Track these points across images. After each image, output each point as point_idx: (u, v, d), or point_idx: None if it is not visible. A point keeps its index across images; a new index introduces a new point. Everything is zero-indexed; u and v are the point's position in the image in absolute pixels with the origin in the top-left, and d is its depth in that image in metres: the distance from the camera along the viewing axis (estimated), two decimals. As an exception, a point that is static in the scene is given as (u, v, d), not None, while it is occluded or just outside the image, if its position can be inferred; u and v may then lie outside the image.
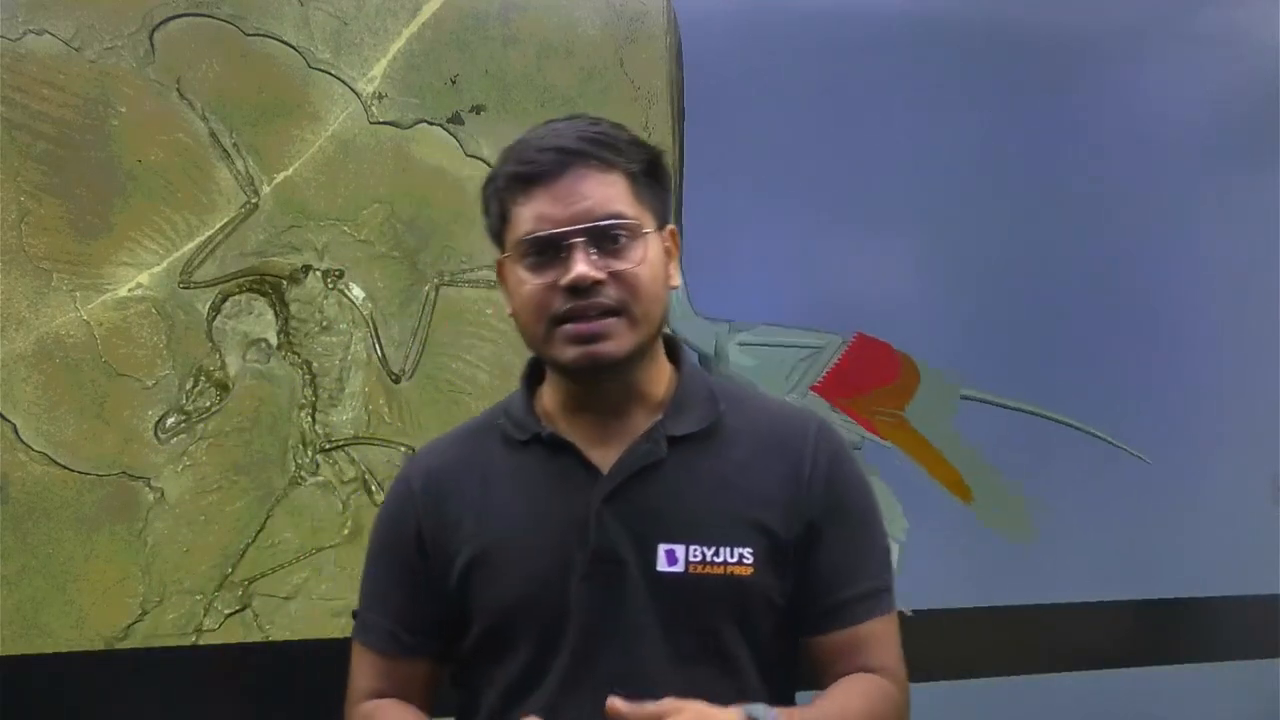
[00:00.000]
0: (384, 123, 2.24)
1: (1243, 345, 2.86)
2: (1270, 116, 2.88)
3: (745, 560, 1.09)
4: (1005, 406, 2.61)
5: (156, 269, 2.13)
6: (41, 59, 2.06)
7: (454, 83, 2.28)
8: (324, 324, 2.22)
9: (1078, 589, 2.69)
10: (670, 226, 1.17)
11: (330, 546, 2.21)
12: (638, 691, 1.05)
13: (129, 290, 2.11)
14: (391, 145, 2.24)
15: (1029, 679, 2.63)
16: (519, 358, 2.33)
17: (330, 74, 2.21)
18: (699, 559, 1.09)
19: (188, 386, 2.14)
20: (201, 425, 2.14)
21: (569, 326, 1.09)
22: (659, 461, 1.12)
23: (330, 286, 2.22)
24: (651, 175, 1.14)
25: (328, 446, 2.21)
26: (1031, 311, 2.69)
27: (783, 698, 1.14)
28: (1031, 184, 2.69)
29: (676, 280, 1.17)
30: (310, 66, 2.20)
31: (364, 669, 1.24)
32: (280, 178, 2.19)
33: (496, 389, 2.29)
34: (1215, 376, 2.84)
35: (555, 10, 2.33)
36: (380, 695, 1.22)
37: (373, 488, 2.23)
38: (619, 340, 1.09)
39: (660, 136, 2.38)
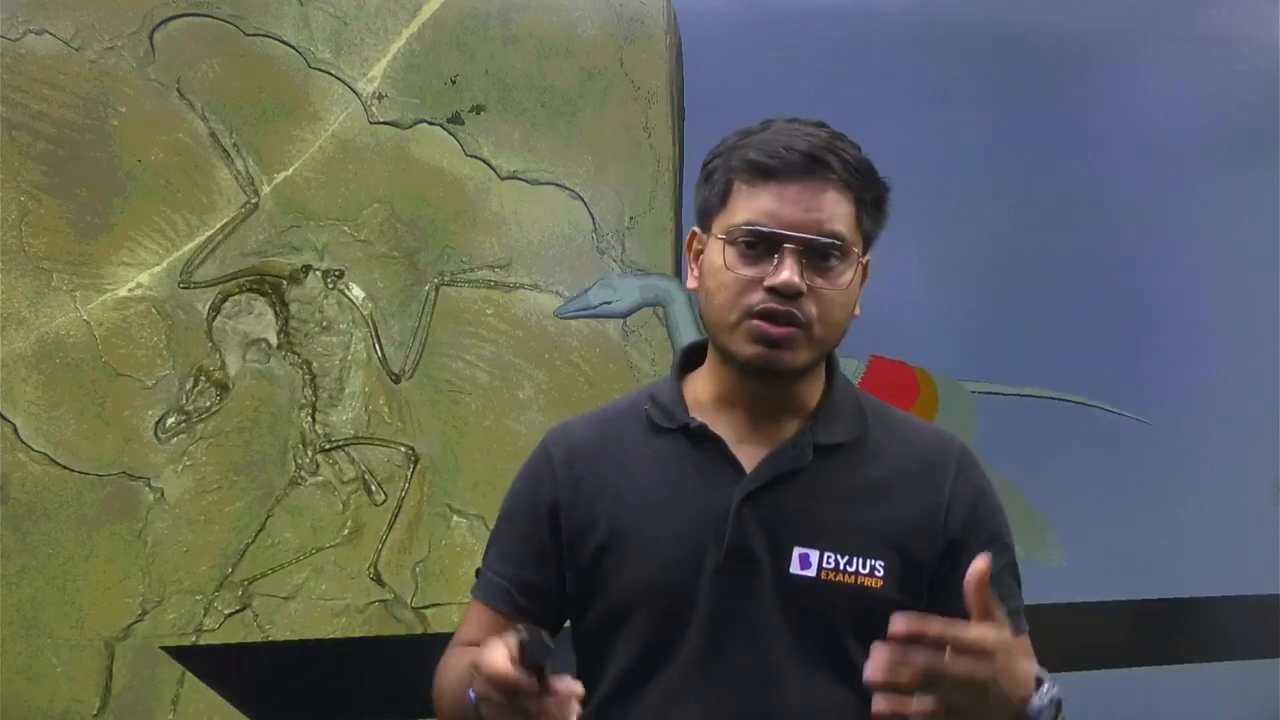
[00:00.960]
0: (384, 123, 2.24)
1: (1243, 345, 2.86)
2: (1270, 116, 2.88)
3: (877, 573, 1.10)
4: (1017, 395, 2.60)
5: (156, 269, 2.13)
6: (41, 59, 2.06)
7: (454, 83, 2.28)
8: (324, 324, 2.22)
9: (1078, 589, 2.69)
10: (868, 258, 1.16)
11: (330, 546, 2.21)
12: (759, 690, 1.08)
13: (129, 290, 2.11)
14: (391, 145, 2.24)
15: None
16: (519, 358, 2.35)
17: (330, 74, 2.21)
18: (832, 565, 1.10)
19: (188, 386, 2.14)
20: (201, 425, 2.14)
21: (758, 324, 1.08)
22: (802, 467, 1.13)
23: (330, 286, 2.22)
24: (877, 207, 1.14)
25: (328, 446, 2.21)
26: (1032, 312, 2.69)
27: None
28: (1031, 184, 2.69)
29: (859, 310, 1.16)
30: (310, 66, 2.20)
31: (472, 620, 1.24)
32: (280, 178, 2.19)
33: (496, 389, 2.29)
34: (1215, 376, 2.84)
35: (555, 10, 2.33)
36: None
37: (372, 488, 2.23)
38: (798, 353, 1.09)
39: (660, 136, 2.38)
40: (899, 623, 0.91)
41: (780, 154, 1.08)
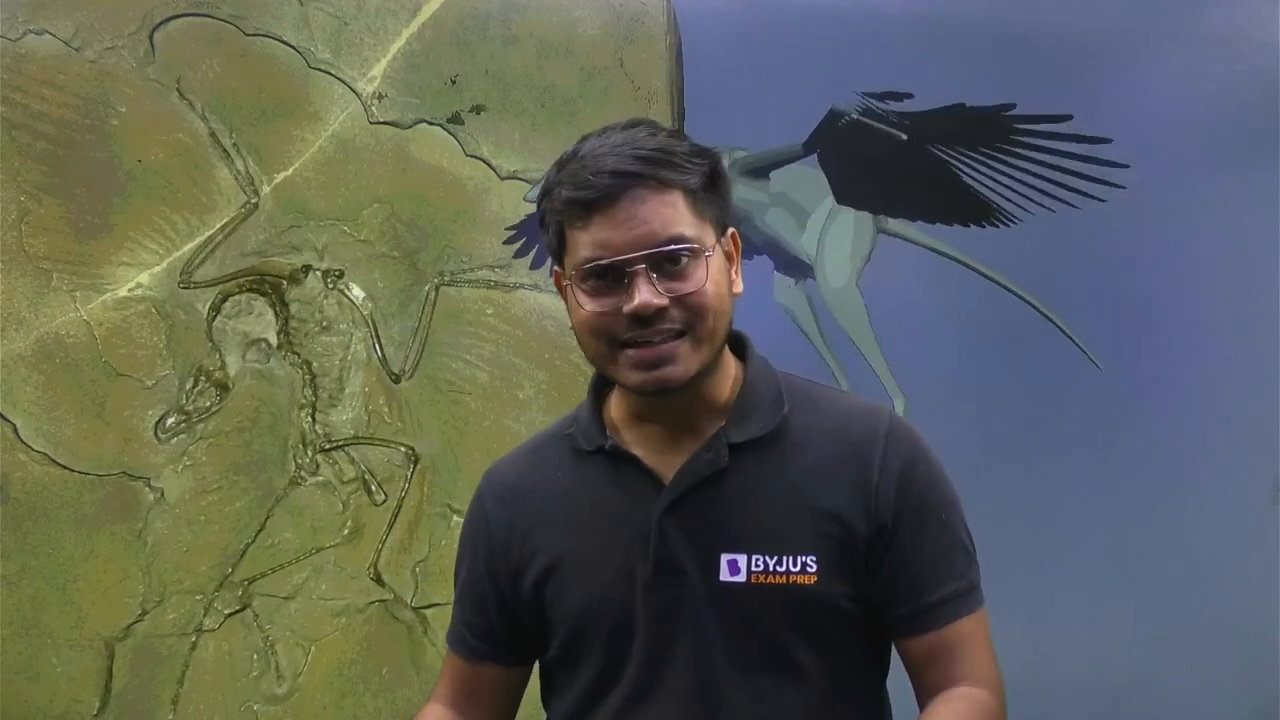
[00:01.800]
0: (384, 123, 2.24)
1: (1243, 345, 2.86)
2: (1270, 116, 2.88)
3: (809, 569, 1.07)
4: (925, 246, 2.57)
5: (156, 269, 2.13)
6: (41, 59, 2.06)
7: (454, 83, 2.28)
8: (324, 324, 2.22)
9: (1077, 590, 2.69)
10: (731, 230, 1.12)
11: (330, 546, 2.21)
12: (704, 703, 1.07)
13: (129, 290, 2.11)
14: (391, 145, 2.25)
15: (1029, 680, 2.63)
16: (519, 358, 2.35)
17: (330, 74, 2.21)
18: (761, 568, 1.07)
19: (188, 386, 2.14)
20: (201, 425, 2.14)
21: (632, 352, 1.06)
22: (721, 470, 1.10)
23: (330, 286, 2.22)
24: (711, 186, 1.09)
25: (328, 446, 2.21)
26: (1031, 311, 2.69)
27: (867, 699, 1.13)
28: (1031, 184, 2.69)
29: (739, 287, 1.12)
30: (310, 66, 2.20)
31: (445, 669, 1.27)
32: (280, 178, 2.19)
33: (496, 389, 2.29)
34: (1215, 376, 2.83)
35: (555, 10, 2.33)
36: (449, 696, 1.23)
37: (372, 488, 2.23)
38: (685, 363, 1.06)
39: (660, 136, 2.38)
40: None
41: (589, 182, 1.04)
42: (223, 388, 2.16)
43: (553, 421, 1.29)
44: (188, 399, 2.13)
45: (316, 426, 2.21)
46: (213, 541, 2.14)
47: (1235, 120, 2.86)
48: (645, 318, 1.03)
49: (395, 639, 2.23)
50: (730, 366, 1.15)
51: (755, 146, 2.47)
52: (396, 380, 2.25)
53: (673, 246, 1.04)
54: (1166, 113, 2.81)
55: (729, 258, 1.11)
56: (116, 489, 2.09)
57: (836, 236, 2.53)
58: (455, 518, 2.27)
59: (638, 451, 1.13)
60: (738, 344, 1.17)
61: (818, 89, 2.52)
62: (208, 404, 2.15)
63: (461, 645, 1.23)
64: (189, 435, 2.13)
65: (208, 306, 2.15)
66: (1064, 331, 2.65)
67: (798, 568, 1.07)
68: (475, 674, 1.23)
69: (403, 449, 2.25)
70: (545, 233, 1.11)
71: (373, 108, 2.24)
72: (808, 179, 2.50)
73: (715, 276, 1.06)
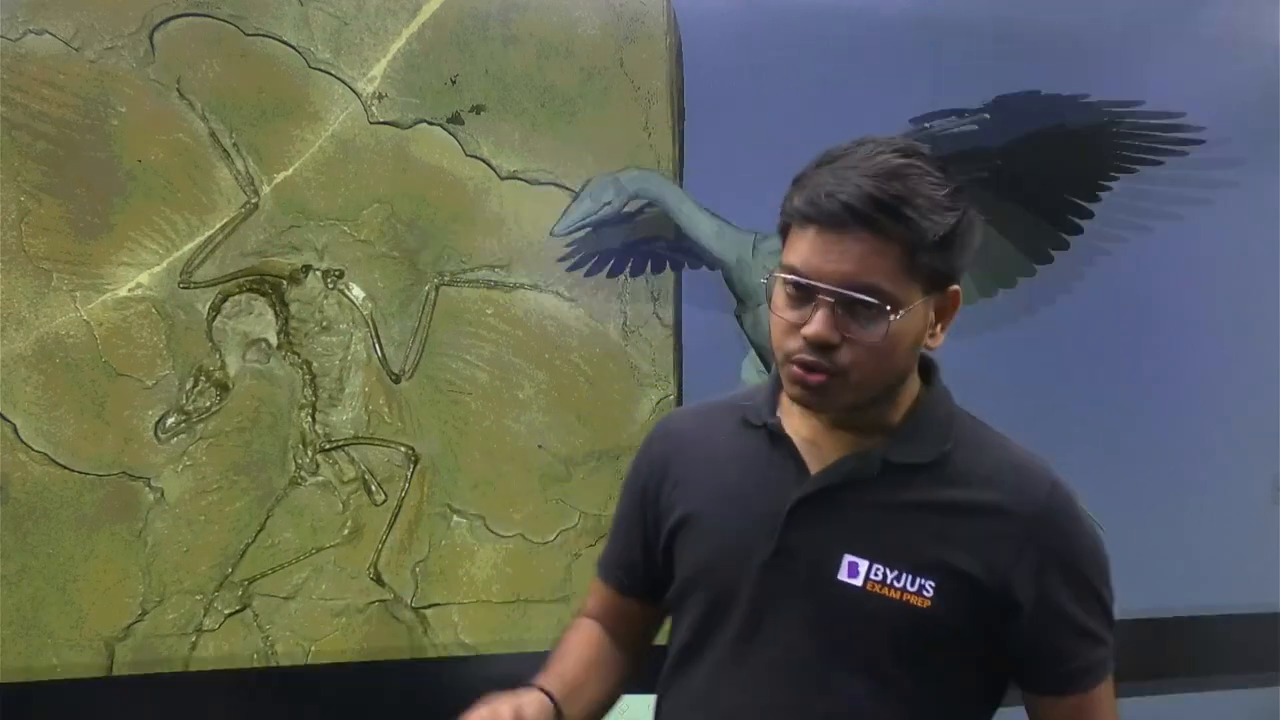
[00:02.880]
0: (384, 123, 2.24)
1: (1243, 346, 2.86)
2: (1270, 116, 2.88)
3: (925, 592, 1.10)
4: None
5: (156, 269, 2.13)
6: (41, 59, 2.06)
7: (454, 83, 2.28)
8: (324, 324, 2.22)
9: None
10: (954, 289, 1.13)
11: (330, 546, 2.21)
12: (784, 685, 1.13)
13: (129, 290, 2.11)
14: (391, 145, 2.24)
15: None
16: (519, 358, 2.35)
17: (330, 74, 2.21)
18: (879, 578, 1.11)
19: (188, 386, 2.14)
20: (201, 425, 2.14)
21: (795, 370, 1.10)
22: (869, 480, 1.13)
23: (330, 286, 2.22)
24: (944, 245, 1.08)
25: (328, 446, 2.21)
26: (1030, 310, 2.69)
27: None
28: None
29: (938, 341, 1.14)
30: (310, 66, 2.20)
31: (592, 591, 1.36)
32: (280, 178, 2.19)
33: (496, 389, 2.29)
34: (1215, 377, 2.83)
35: (555, 10, 2.33)
36: (595, 616, 1.34)
37: (372, 488, 2.23)
38: (834, 398, 1.10)
39: (660, 136, 2.38)
40: None
41: (820, 201, 1.07)
42: (223, 388, 2.16)
43: (712, 397, 1.34)
44: (188, 399, 2.13)
45: (316, 426, 2.21)
46: (213, 541, 2.14)
47: (1235, 120, 2.86)
48: (816, 346, 1.08)
49: (395, 639, 2.23)
50: (910, 391, 1.17)
51: (755, 145, 2.47)
52: (396, 380, 2.25)
53: (861, 297, 1.06)
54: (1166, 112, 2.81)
55: (939, 314, 1.12)
56: (116, 489, 2.09)
57: None
58: (455, 517, 2.27)
59: (796, 438, 1.17)
60: (926, 368, 1.20)
61: (818, 89, 2.52)
62: (208, 404, 2.15)
63: (607, 574, 1.33)
64: (189, 435, 2.13)
65: (208, 306, 2.15)
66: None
67: (914, 588, 1.10)
68: (617, 602, 1.32)
69: (403, 449, 2.25)
70: (780, 216, 1.15)
71: (373, 108, 2.24)
72: None
73: (897, 337, 1.08)
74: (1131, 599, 2.84)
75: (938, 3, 2.63)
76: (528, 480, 2.30)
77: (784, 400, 1.19)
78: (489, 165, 2.29)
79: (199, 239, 2.14)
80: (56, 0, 2.07)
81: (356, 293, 2.23)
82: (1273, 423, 2.87)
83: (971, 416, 1.20)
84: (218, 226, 2.15)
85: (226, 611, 2.15)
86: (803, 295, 1.08)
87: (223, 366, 2.16)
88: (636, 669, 1.32)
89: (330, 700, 2.21)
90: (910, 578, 1.10)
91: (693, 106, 2.42)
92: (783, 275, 1.10)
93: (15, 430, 2.04)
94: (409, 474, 2.25)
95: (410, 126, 2.26)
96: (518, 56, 2.31)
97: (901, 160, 1.09)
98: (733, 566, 1.16)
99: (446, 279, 2.28)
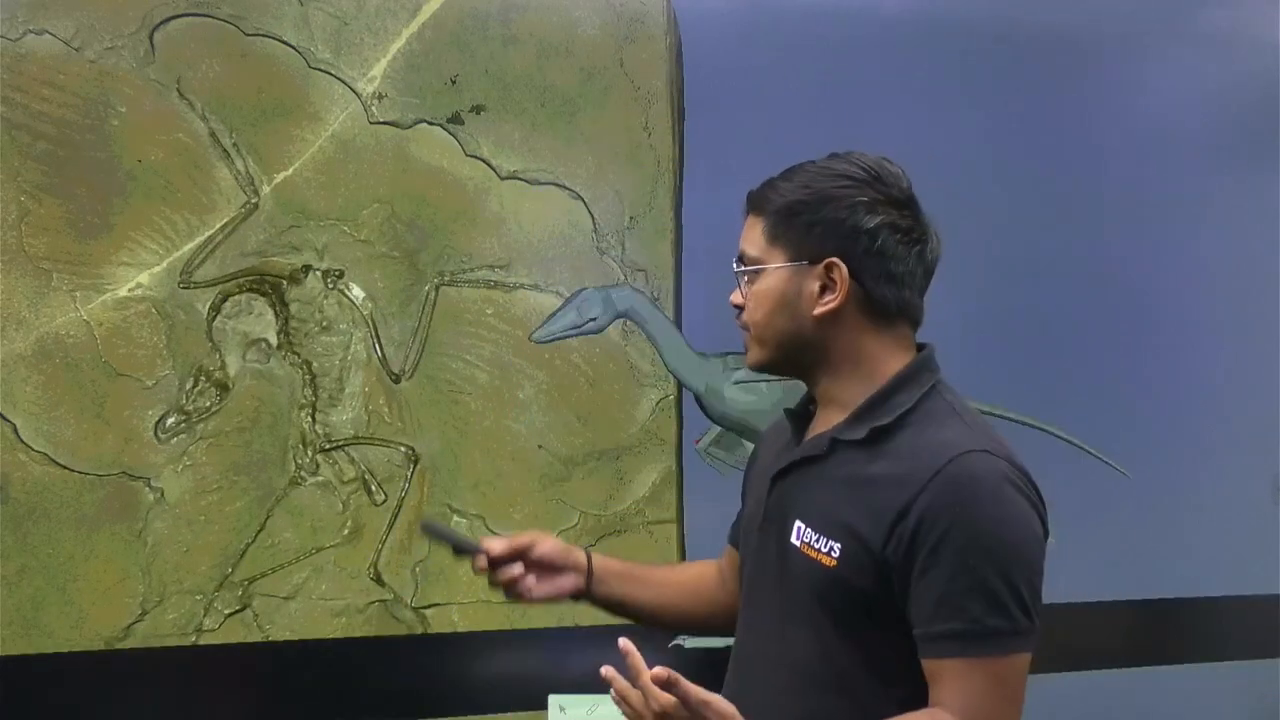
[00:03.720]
0: (384, 123, 2.24)
1: (1243, 346, 2.86)
2: (1270, 116, 2.88)
3: (833, 553, 1.25)
4: (1006, 419, 2.60)
5: (156, 269, 2.13)
6: (41, 59, 2.06)
7: (454, 83, 2.28)
8: (324, 324, 2.22)
9: (1078, 589, 2.69)
10: (829, 260, 1.29)
11: (330, 546, 2.21)
12: (760, 632, 1.34)
13: (129, 290, 2.11)
14: (391, 145, 2.25)
15: (1029, 679, 2.63)
16: (518, 358, 2.35)
17: (330, 74, 2.21)
18: (807, 540, 1.28)
19: (188, 386, 2.14)
20: (201, 425, 2.14)
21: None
22: (820, 455, 1.31)
23: (330, 286, 2.22)
24: (786, 217, 1.32)
25: (328, 446, 2.21)
26: (1031, 311, 2.69)
27: (910, 695, 1.24)
28: (1031, 184, 2.69)
29: (821, 309, 1.29)
30: (310, 66, 2.20)
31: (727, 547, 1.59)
32: (280, 178, 2.19)
33: (496, 389, 2.29)
34: (1215, 377, 2.84)
35: (555, 10, 2.33)
36: (718, 564, 1.59)
37: (372, 487, 2.23)
38: (752, 353, 1.36)
39: (660, 136, 2.38)
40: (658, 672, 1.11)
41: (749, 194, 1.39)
42: (223, 388, 2.16)
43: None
44: (188, 399, 2.13)
45: (316, 426, 2.21)
46: (213, 541, 2.14)
47: (1235, 120, 2.86)
48: (734, 308, 1.36)
49: (395, 639, 2.23)
50: (883, 373, 1.31)
51: (755, 145, 2.47)
52: (396, 380, 2.25)
53: (737, 262, 1.36)
54: (1166, 113, 2.82)
55: (823, 285, 1.29)
56: (116, 489, 2.09)
57: None
58: (455, 518, 2.27)
59: (814, 425, 1.38)
60: (915, 366, 1.34)
61: (818, 89, 2.52)
62: (208, 404, 2.15)
63: (731, 531, 1.58)
64: (189, 435, 2.13)
65: (208, 306, 2.15)
66: (1088, 450, 2.68)
67: (825, 549, 1.26)
68: (732, 556, 1.55)
69: (403, 449, 2.25)
70: None
71: (373, 108, 2.24)
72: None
73: (764, 292, 1.32)
74: (1132, 598, 2.85)
75: (938, 3, 2.63)
76: (528, 480, 2.30)
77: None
78: (489, 165, 2.29)
79: (199, 239, 2.14)
80: (56, 0, 2.07)
81: (356, 293, 2.23)
82: (1273, 423, 2.87)
83: (947, 401, 1.30)
84: (218, 226, 2.16)
85: (226, 611, 2.15)
86: None
87: (223, 366, 2.16)
88: (731, 615, 1.47)
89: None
90: (824, 540, 1.26)
91: (693, 106, 2.42)
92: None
93: (15, 430, 2.04)
94: (409, 474, 2.25)
95: (410, 126, 2.26)
96: (518, 56, 2.31)
97: (825, 162, 1.36)
98: (751, 534, 1.39)
99: (446, 279, 2.28)
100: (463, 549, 1.42)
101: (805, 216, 1.31)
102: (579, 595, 1.49)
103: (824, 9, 2.54)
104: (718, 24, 2.46)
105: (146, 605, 2.10)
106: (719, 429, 2.44)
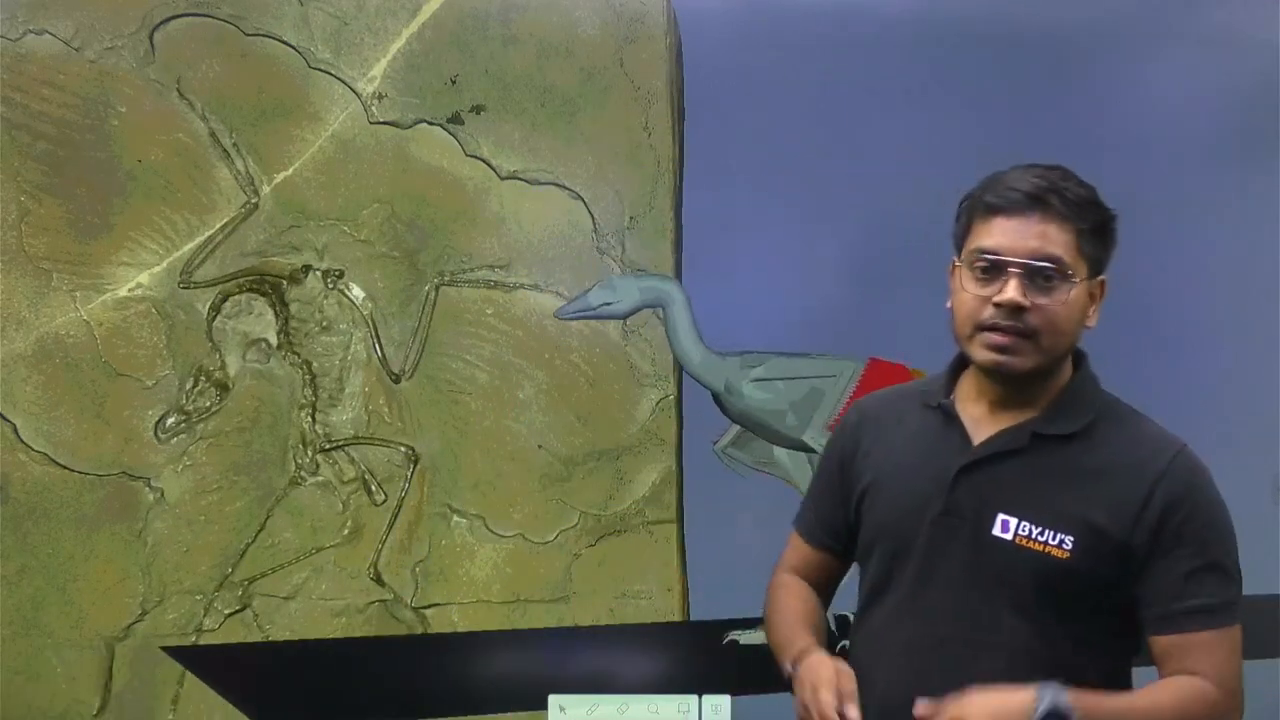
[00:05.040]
0: (384, 123, 2.24)
1: (1243, 345, 2.86)
2: (1270, 116, 2.88)
3: (1065, 545, 1.29)
4: None
5: (156, 269, 2.13)
6: (41, 59, 2.06)
7: (454, 83, 2.28)
8: (324, 324, 2.22)
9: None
10: (1102, 278, 1.38)
11: (330, 546, 2.21)
12: (951, 622, 1.34)
13: (129, 290, 2.11)
14: (391, 145, 2.25)
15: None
16: (519, 358, 2.35)
17: (330, 74, 2.21)
18: (1025, 532, 1.31)
19: (188, 386, 2.14)
20: (201, 425, 2.14)
21: (989, 335, 1.32)
22: (1020, 449, 1.34)
23: (330, 286, 2.22)
24: (1098, 234, 1.36)
25: (328, 446, 2.21)
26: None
27: (1112, 669, 1.35)
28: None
29: (1093, 321, 1.38)
30: (310, 66, 2.20)
31: (792, 546, 1.58)
32: (280, 178, 2.19)
33: (496, 389, 2.29)
34: (1215, 377, 2.83)
35: (555, 10, 2.33)
36: (795, 570, 1.56)
37: (373, 488, 2.23)
38: (1025, 358, 1.32)
39: (660, 136, 2.38)
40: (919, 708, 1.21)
41: (1006, 194, 1.33)
42: (223, 388, 2.16)
43: (901, 384, 1.61)
44: (188, 399, 2.13)
45: (316, 426, 2.21)
46: (213, 541, 2.14)
47: (1235, 120, 2.86)
48: (1010, 310, 1.30)
49: (395, 639, 2.23)
50: (1064, 374, 1.39)
51: (755, 145, 2.47)
52: (396, 380, 2.25)
53: (1048, 264, 1.31)
54: (1166, 113, 2.81)
55: (1092, 297, 1.37)
56: (116, 489, 2.09)
57: None
58: (455, 518, 2.27)
59: (964, 417, 1.39)
60: (1079, 357, 1.43)
61: (818, 89, 2.52)
62: (208, 404, 2.15)
63: (808, 531, 1.56)
64: (189, 435, 2.13)
65: (208, 306, 2.15)
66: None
67: (1055, 542, 1.30)
68: (812, 555, 1.55)
69: (403, 449, 2.25)
70: (956, 224, 1.41)
71: (373, 108, 2.24)
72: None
73: (1072, 302, 1.33)
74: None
75: (937, 3, 2.63)
76: (528, 480, 2.30)
77: (958, 385, 1.43)
78: (489, 165, 2.29)
79: (199, 239, 2.14)
80: (56, 0, 2.07)
81: (356, 293, 2.23)
82: (1273, 423, 2.87)
83: (1115, 398, 1.42)
84: (218, 226, 2.16)
85: (226, 611, 2.15)
86: (992, 271, 1.31)
87: (223, 366, 2.16)
88: (825, 611, 1.53)
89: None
90: (1052, 533, 1.30)
91: (693, 106, 2.42)
92: (974, 255, 1.33)
93: (15, 430, 2.04)
94: (409, 474, 2.25)
95: (410, 126, 2.26)
96: (518, 56, 2.31)
97: (1054, 170, 1.37)
98: (909, 523, 1.38)
99: (446, 279, 2.28)
100: None
101: (1109, 236, 1.39)
102: None
103: (824, 9, 2.53)
104: (718, 24, 2.46)
105: (146, 605, 2.10)
106: (737, 429, 2.44)
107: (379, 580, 2.23)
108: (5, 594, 2.02)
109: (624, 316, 2.35)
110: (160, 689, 2.13)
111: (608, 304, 2.33)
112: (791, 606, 1.52)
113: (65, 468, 2.06)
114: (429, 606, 2.25)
